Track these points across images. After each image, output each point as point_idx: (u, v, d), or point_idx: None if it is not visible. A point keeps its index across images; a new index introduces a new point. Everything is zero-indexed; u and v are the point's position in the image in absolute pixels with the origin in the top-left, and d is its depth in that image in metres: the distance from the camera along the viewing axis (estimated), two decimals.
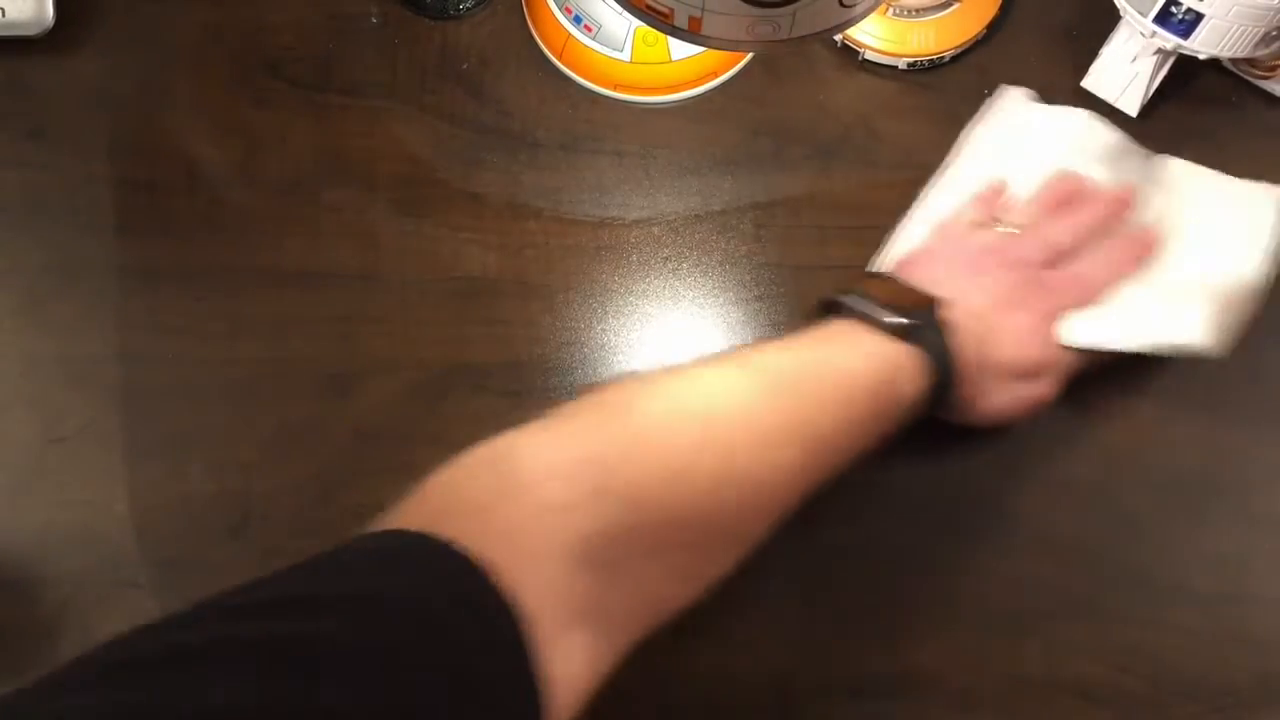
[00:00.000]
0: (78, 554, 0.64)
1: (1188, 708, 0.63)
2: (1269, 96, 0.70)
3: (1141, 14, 0.63)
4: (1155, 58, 0.66)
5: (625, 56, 0.69)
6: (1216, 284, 0.61)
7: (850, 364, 0.54)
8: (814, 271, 0.68)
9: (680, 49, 0.69)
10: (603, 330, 0.67)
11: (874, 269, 0.64)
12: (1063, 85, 0.70)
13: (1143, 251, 0.62)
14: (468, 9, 0.71)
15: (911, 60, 0.70)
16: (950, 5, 0.70)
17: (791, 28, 0.55)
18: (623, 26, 0.69)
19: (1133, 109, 0.69)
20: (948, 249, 0.61)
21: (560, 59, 0.70)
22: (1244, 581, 0.64)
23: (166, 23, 0.72)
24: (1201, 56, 0.64)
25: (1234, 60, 0.69)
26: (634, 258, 0.68)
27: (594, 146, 0.70)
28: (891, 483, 0.65)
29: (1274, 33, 0.63)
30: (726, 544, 0.49)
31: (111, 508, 0.64)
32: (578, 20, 0.69)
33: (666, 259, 0.68)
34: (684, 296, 0.68)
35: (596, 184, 0.69)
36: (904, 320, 0.56)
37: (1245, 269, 0.62)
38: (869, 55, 0.70)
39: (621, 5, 0.58)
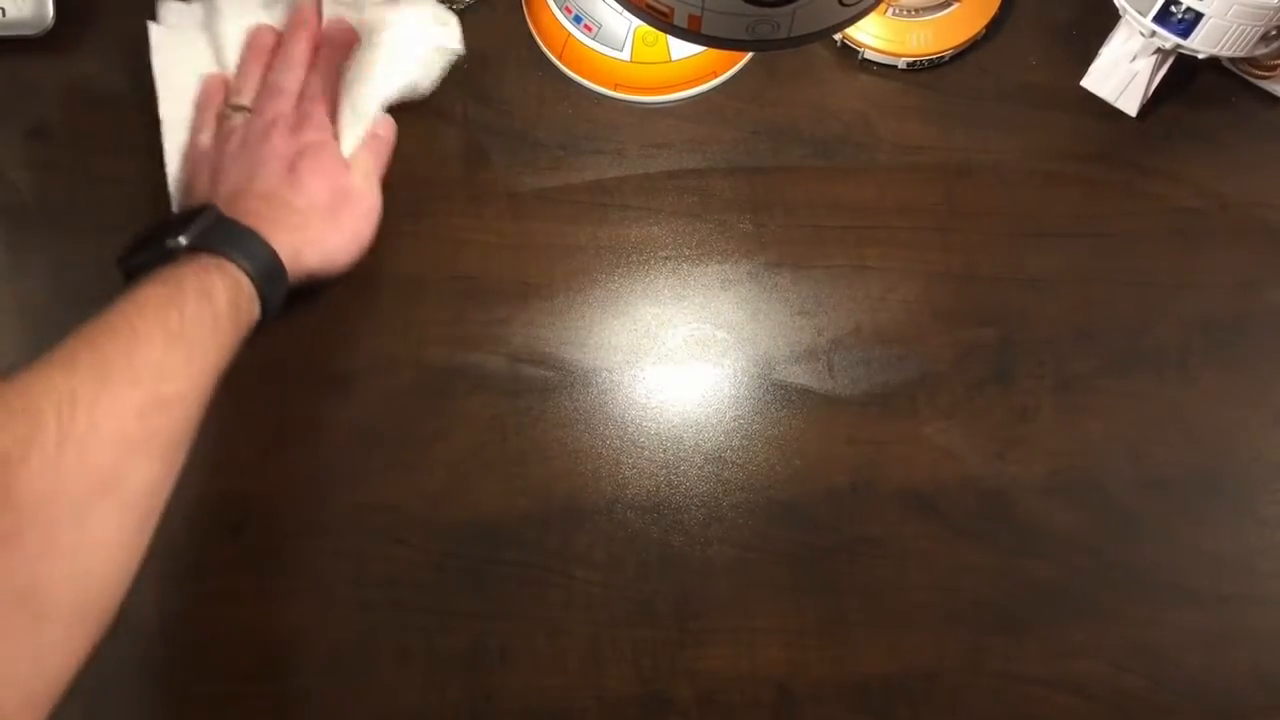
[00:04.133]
0: None
1: (1188, 708, 0.63)
2: (1268, 96, 0.70)
3: (1141, 13, 0.63)
4: (1155, 57, 0.66)
5: (625, 56, 0.69)
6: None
7: (143, 300, 0.53)
8: (814, 271, 0.68)
9: (680, 49, 0.69)
10: (603, 330, 0.67)
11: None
12: (1063, 84, 0.70)
13: (343, 39, 0.66)
14: (469, 4, 0.71)
15: (911, 60, 0.70)
16: (950, 5, 0.70)
17: (791, 27, 0.55)
18: (623, 26, 0.69)
19: (1132, 108, 0.69)
20: (203, 161, 0.64)
21: (560, 59, 0.71)
22: (1244, 581, 0.64)
23: None
24: (1201, 56, 0.64)
25: (1233, 60, 0.69)
26: (634, 258, 0.68)
27: (594, 146, 0.70)
28: (890, 483, 0.65)
29: (1273, 32, 0.63)
30: (108, 500, 0.48)
31: None
32: (578, 20, 0.69)
33: (666, 259, 0.68)
34: (684, 296, 0.68)
35: (596, 184, 0.69)
36: (180, 239, 0.56)
37: None
38: (868, 55, 0.70)
39: (622, 5, 0.58)
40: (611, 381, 0.66)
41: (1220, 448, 0.66)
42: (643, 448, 0.65)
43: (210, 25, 0.67)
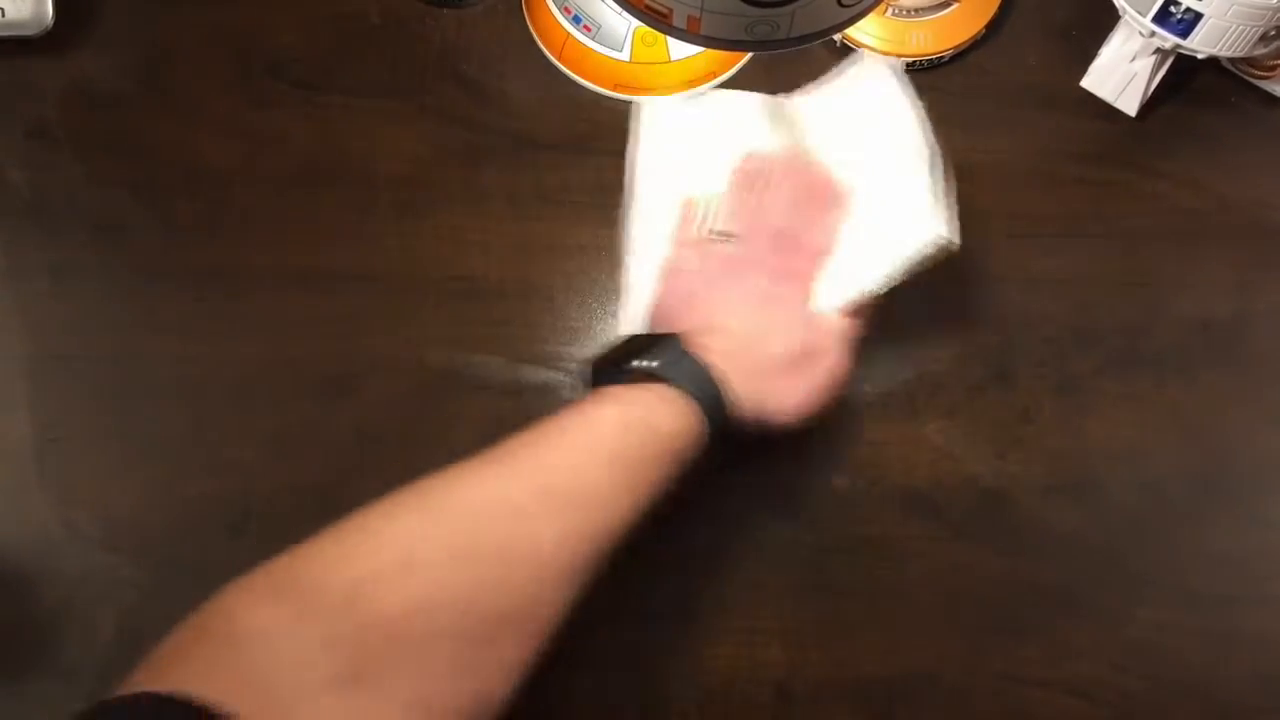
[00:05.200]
0: (77, 554, 0.64)
1: (1188, 708, 0.63)
2: (1267, 96, 0.70)
3: (1141, 13, 0.63)
4: (1154, 57, 0.66)
5: (624, 56, 0.69)
6: (909, 178, 0.60)
7: (595, 419, 0.53)
8: None
9: (679, 49, 0.69)
10: (603, 330, 0.67)
11: (623, 332, 0.62)
12: (1062, 85, 0.70)
13: (839, 194, 0.61)
14: (470, 4, 0.71)
15: (910, 60, 0.70)
16: (949, 5, 0.70)
17: (790, 28, 0.55)
18: (622, 26, 0.69)
19: (1132, 109, 0.69)
20: (681, 285, 0.60)
21: (560, 59, 0.71)
22: (1244, 581, 0.64)
23: (166, 23, 0.72)
24: (1200, 56, 0.64)
25: (1232, 60, 0.69)
26: None
27: (594, 146, 0.70)
28: (890, 483, 0.65)
29: (1272, 32, 0.63)
30: (519, 627, 0.48)
31: (111, 508, 0.64)
32: (577, 20, 0.69)
33: None
34: None
35: (596, 184, 0.69)
36: (644, 363, 0.55)
37: (916, 149, 0.60)
38: (868, 55, 0.70)
39: (621, 5, 0.58)
40: None
41: (1220, 448, 0.66)
42: None
43: (704, 136, 0.62)
